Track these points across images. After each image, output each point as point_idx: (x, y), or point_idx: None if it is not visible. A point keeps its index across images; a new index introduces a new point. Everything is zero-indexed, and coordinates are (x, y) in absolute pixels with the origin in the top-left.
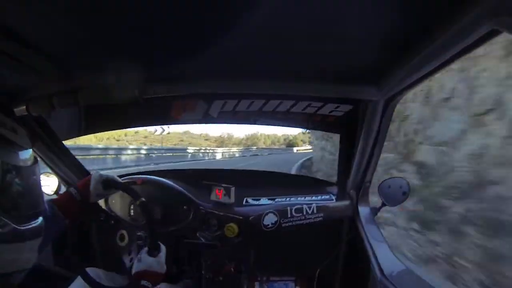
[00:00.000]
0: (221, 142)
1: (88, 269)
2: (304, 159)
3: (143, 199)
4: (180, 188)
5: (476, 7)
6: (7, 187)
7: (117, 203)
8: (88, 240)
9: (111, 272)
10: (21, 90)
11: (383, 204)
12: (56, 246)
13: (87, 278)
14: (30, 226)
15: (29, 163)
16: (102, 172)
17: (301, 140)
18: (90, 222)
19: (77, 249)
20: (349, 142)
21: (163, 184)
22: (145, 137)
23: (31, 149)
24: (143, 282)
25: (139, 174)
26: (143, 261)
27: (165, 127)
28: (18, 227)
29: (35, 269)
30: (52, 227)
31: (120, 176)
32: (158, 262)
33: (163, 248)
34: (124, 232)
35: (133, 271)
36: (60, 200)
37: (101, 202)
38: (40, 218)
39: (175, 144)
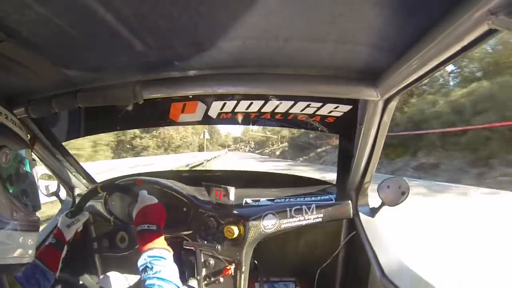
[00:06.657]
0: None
1: (110, 274)
2: None
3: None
4: (179, 189)
5: (474, 6)
6: (22, 177)
7: (116, 205)
8: (90, 245)
9: (129, 274)
10: (20, 93)
11: (383, 204)
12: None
13: None
14: (33, 218)
15: (31, 158)
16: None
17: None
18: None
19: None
20: (349, 142)
21: (162, 185)
22: None
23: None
24: (144, 226)
25: (138, 176)
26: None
27: None
28: (29, 217)
29: (59, 280)
30: (46, 284)
31: (119, 178)
32: (146, 197)
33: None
34: (124, 233)
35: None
36: (42, 254)
37: (99, 207)
38: (36, 214)
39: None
